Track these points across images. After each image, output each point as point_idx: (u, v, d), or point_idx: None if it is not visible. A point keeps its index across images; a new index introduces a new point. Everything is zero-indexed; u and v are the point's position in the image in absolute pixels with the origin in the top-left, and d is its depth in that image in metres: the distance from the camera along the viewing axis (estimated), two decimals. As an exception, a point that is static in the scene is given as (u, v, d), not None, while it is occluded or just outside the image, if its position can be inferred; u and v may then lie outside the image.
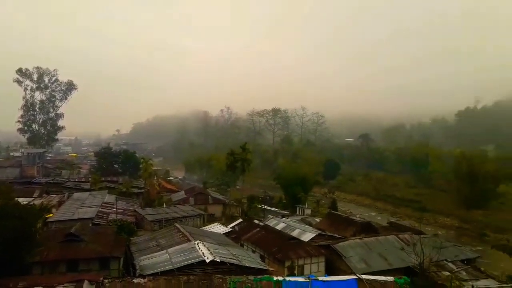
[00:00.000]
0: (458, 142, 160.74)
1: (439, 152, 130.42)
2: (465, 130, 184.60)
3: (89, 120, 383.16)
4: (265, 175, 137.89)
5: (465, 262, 41.03)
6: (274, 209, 77.67)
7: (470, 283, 30.87)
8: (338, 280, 25.58)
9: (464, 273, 36.80)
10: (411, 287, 25.31)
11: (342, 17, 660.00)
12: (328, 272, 37.02)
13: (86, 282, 23.85)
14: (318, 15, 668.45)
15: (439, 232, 71.67)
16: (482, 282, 33.34)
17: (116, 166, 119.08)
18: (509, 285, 32.09)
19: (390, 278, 26.13)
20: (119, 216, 52.21)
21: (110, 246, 33.46)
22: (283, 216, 67.79)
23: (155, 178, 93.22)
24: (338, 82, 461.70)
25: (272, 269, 33.15)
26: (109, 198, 65.75)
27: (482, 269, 40.86)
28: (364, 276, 26.04)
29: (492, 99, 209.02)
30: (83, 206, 57.91)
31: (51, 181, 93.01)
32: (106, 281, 23.76)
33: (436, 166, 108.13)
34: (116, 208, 55.26)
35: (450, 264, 38.51)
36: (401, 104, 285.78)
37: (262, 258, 40.25)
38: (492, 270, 42.83)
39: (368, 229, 52.11)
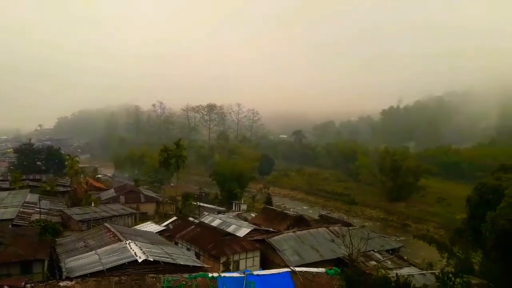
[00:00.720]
0: (383, 139, 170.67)
1: (365, 148, 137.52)
2: (389, 127, 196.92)
3: (7, 115, 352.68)
4: (200, 172, 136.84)
5: (390, 251, 43.51)
6: (210, 205, 77.45)
7: (395, 271, 32.79)
8: (272, 274, 25.90)
9: (389, 262, 39.15)
10: (341, 277, 26.26)
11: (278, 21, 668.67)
12: (263, 266, 37.58)
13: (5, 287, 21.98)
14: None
15: (366, 223, 75.66)
16: (405, 270, 35.57)
17: (39, 163, 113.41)
18: (429, 271, 34.60)
19: (321, 270, 26.96)
20: (43, 216, 49.03)
21: (33, 248, 31.21)
22: (219, 212, 67.97)
23: (82, 176, 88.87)
24: (273, 82, 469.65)
25: (207, 266, 32.91)
26: (32, 197, 61.47)
27: (405, 257, 43.86)
28: (297, 269, 26.66)
29: (413, 99, 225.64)
30: (2, 206, 53.60)
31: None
32: (28, 285, 22.03)
33: (363, 161, 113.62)
34: (40, 208, 51.88)
35: (376, 254, 40.71)
36: (331, 103, 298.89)
37: (198, 255, 39.87)
38: (414, 258, 46.18)
39: (300, 222, 53.78)
